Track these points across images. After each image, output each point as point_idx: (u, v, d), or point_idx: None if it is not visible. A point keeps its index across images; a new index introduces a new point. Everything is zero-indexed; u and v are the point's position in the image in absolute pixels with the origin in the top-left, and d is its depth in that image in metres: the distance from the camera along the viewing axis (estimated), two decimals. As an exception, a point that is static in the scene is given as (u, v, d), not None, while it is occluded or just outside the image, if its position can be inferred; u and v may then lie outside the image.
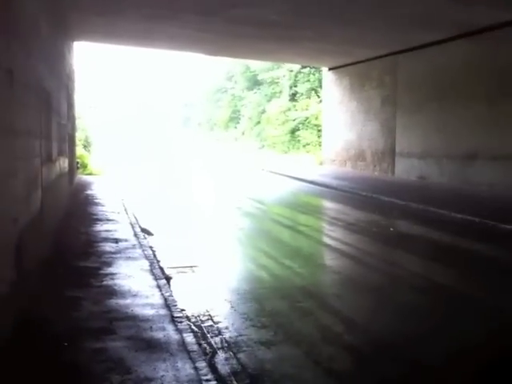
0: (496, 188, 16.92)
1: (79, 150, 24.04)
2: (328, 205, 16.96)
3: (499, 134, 17.05)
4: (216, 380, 4.37)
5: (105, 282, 6.95)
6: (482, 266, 9.09)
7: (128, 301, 6.22)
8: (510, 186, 16.44)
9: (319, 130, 34.66)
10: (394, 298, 7.25)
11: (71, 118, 16.96)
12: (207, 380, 4.32)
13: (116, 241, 9.61)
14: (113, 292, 6.54)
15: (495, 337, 5.74)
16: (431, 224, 12.71)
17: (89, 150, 29.16)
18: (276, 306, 6.74)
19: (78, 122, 24.05)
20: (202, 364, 4.62)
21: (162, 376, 4.32)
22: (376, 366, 5.08)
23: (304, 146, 39.12)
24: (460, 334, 5.81)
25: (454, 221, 12.84)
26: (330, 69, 28.72)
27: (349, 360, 5.20)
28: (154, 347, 4.90)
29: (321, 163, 30.43)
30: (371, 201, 16.56)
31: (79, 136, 25.23)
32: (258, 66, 47.63)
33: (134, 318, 5.64)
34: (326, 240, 11.35)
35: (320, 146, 32.86)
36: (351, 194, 18.15)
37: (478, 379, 4.84)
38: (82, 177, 21.74)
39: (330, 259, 9.77)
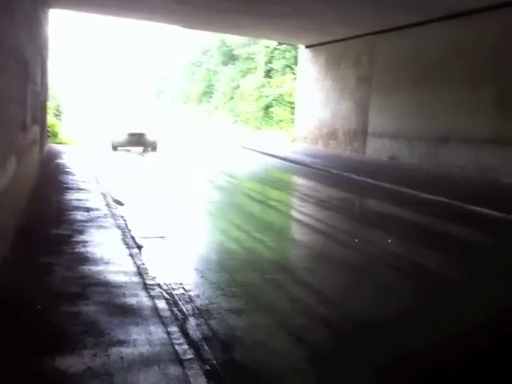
0: (466, 171, 17.23)
1: (50, 119, 23.74)
2: (300, 181, 17.11)
3: (473, 117, 17.27)
4: (188, 344, 4.46)
5: (77, 250, 6.96)
6: (455, 246, 9.25)
7: (101, 268, 6.26)
8: (481, 169, 16.76)
9: (292, 108, 34.70)
10: (365, 274, 7.38)
11: (44, 86, 16.72)
12: (179, 344, 4.41)
13: (87, 210, 9.59)
14: (85, 259, 6.56)
15: (474, 319, 5.86)
16: (403, 204, 12.91)
17: (59, 119, 28.79)
18: (247, 277, 6.84)
19: (50, 91, 23.70)
20: (173, 329, 4.71)
21: (135, 339, 4.40)
22: (348, 337, 5.21)
23: (277, 122, 39.16)
24: (437, 313, 5.97)
25: (425, 201, 13.06)
26: (306, 46, 28.71)
27: (320, 330, 5.32)
28: (126, 312, 4.97)
29: (293, 140, 30.53)
30: (342, 179, 16.74)
31: (50, 104, 24.88)
32: (233, 41, 47.31)
33: (107, 285, 5.69)
34: (298, 215, 11.48)
35: (293, 123, 32.94)
36: (323, 171, 18.31)
37: (453, 360, 4.99)
38: (52, 145, 21.51)
39: (301, 234, 9.90)
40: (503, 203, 12.11)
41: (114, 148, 23.30)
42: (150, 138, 23.64)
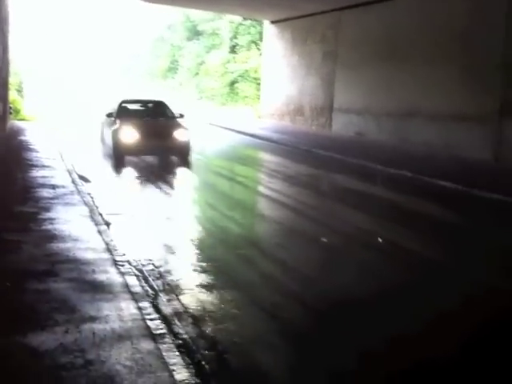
0: (433, 146, 17.40)
1: (12, 95, 23.22)
2: (268, 158, 17.10)
3: (439, 94, 17.34)
4: (159, 319, 4.46)
5: (44, 227, 6.88)
6: (424, 222, 9.29)
7: (69, 245, 6.20)
8: (447, 145, 16.94)
9: (258, 84, 34.53)
10: (336, 250, 7.46)
11: (5, 61, 16.32)
12: (151, 319, 4.41)
13: (53, 187, 9.46)
14: (53, 236, 6.49)
15: (447, 294, 5.98)
16: (369, 179, 12.99)
17: (22, 96, 28.19)
18: (217, 253, 6.85)
19: (12, 66, 23.14)
20: (145, 304, 4.71)
21: (107, 315, 4.39)
22: (319, 313, 5.27)
23: (242, 98, 38.98)
24: (409, 289, 6.03)
25: (391, 177, 13.17)
26: (272, 22, 28.49)
27: (291, 303, 5.36)
28: (97, 289, 4.95)
29: (259, 117, 30.44)
30: (310, 155, 16.79)
31: (12, 80, 24.30)
32: (198, 16, 46.69)
33: (76, 262, 5.64)
34: (267, 192, 11.47)
35: (258, 99, 32.80)
36: (290, 147, 18.32)
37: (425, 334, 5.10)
38: (14, 122, 21.07)
39: (270, 210, 9.91)
40: (466, 178, 12.30)
41: (118, 157, 13.27)
42: (179, 136, 13.66)
